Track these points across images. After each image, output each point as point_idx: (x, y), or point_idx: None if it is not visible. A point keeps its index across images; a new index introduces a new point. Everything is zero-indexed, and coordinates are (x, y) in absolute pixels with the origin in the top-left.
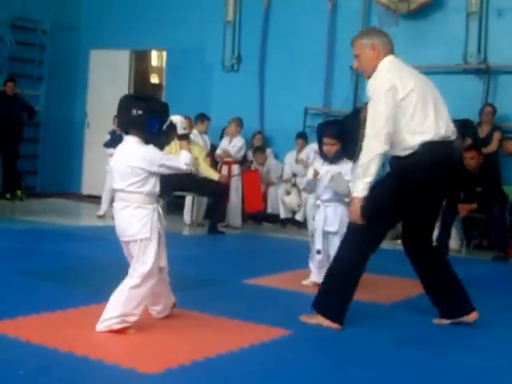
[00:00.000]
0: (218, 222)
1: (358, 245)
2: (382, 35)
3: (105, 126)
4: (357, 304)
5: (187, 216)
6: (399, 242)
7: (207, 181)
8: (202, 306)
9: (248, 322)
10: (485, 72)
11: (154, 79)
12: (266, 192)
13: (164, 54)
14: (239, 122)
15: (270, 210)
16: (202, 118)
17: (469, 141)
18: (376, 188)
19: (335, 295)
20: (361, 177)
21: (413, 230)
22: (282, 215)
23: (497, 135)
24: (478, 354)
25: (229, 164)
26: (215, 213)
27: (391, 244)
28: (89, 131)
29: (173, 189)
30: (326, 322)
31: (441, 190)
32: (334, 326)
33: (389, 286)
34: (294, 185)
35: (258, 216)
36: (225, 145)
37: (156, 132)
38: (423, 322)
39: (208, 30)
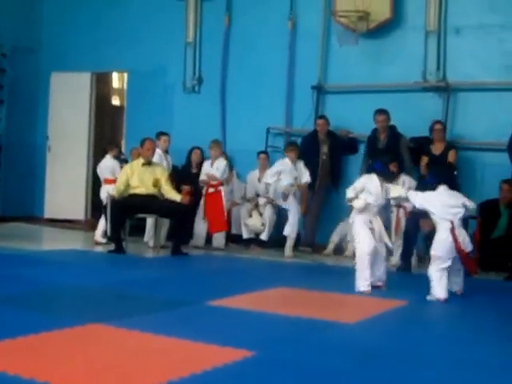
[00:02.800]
0: (182, 243)
1: None
2: None
3: (66, 149)
4: (320, 323)
5: (150, 238)
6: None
7: (170, 202)
8: (165, 328)
9: (212, 344)
10: (444, 89)
11: (116, 101)
12: (230, 212)
13: (125, 75)
14: (221, 144)
15: (234, 231)
16: (160, 135)
17: (425, 159)
18: None
19: None
20: None
21: None
22: (245, 236)
23: (452, 154)
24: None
25: (215, 186)
26: (179, 234)
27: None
28: (50, 155)
29: (136, 211)
30: None
31: None
32: None
33: (353, 304)
34: (256, 205)
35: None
36: (208, 169)
37: None
38: (387, 339)
39: (169, 51)
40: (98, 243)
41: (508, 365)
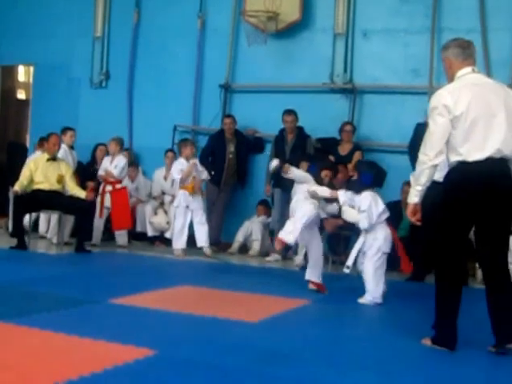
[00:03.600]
0: (86, 240)
1: None
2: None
3: None
4: (224, 322)
5: (53, 235)
6: (267, 259)
7: (74, 199)
8: (67, 327)
9: (113, 342)
10: (350, 91)
11: (21, 95)
12: (135, 210)
13: (31, 69)
14: (119, 141)
15: (138, 229)
16: (65, 130)
17: (332, 159)
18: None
19: None
20: (412, 185)
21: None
22: (150, 233)
23: (357, 155)
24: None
25: (112, 184)
26: (82, 231)
27: (260, 261)
28: None
29: (39, 207)
30: None
31: (466, 212)
32: None
33: (256, 303)
34: (162, 203)
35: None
36: (106, 166)
37: None
38: (288, 338)
39: (76, 45)
40: None
41: (393, 361)
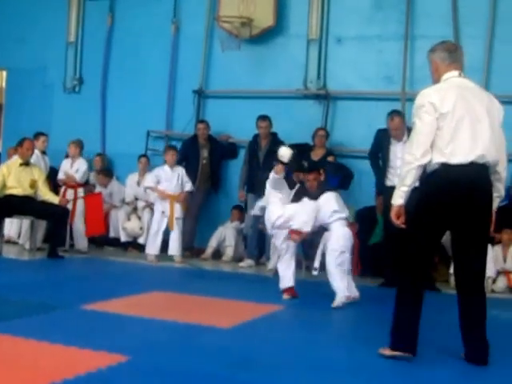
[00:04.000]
0: (58, 245)
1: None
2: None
3: None
4: (196, 328)
5: (25, 240)
6: (241, 264)
7: (47, 204)
8: (38, 333)
9: (85, 348)
10: (324, 97)
11: None
12: (108, 215)
13: (4, 73)
14: (79, 144)
15: (112, 234)
16: (37, 135)
17: (305, 164)
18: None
19: None
20: (397, 186)
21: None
22: (123, 239)
23: (331, 159)
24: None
25: (74, 188)
26: (55, 237)
27: (233, 267)
28: None
29: (12, 212)
30: None
31: (445, 216)
32: None
33: (229, 309)
34: (135, 208)
35: (99, 240)
36: (67, 168)
37: None
38: (260, 344)
39: (49, 50)
40: None
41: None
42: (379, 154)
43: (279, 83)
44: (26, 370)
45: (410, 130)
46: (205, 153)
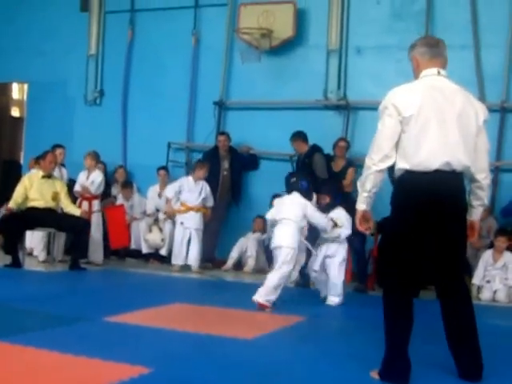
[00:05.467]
0: (80, 258)
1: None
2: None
3: None
4: (219, 340)
5: (40, 252)
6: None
7: (69, 216)
8: (61, 345)
9: (108, 360)
10: (344, 108)
11: (15, 112)
12: (130, 227)
13: (25, 86)
14: (95, 156)
15: (133, 246)
16: (55, 147)
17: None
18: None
19: None
20: (359, 192)
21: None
22: (144, 250)
23: (351, 171)
24: None
25: (89, 200)
26: (77, 249)
27: (255, 277)
28: None
29: (34, 224)
30: None
31: (416, 221)
32: None
33: (251, 320)
34: (156, 220)
35: (121, 251)
36: (83, 181)
37: None
38: (283, 356)
39: (71, 63)
40: None
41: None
42: None
43: (299, 94)
44: (50, 382)
45: None
46: (226, 164)
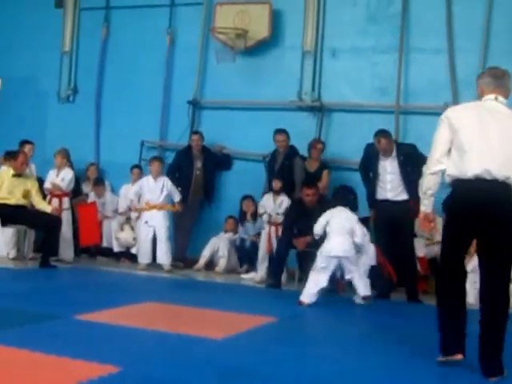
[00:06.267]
0: (51, 255)
1: None
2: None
3: None
4: (188, 339)
5: (10, 250)
6: (243, 276)
7: (40, 213)
8: (31, 343)
9: (77, 359)
10: (318, 109)
11: None
12: (101, 225)
13: None
14: (65, 153)
15: (104, 244)
16: (23, 143)
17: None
18: None
19: None
20: (420, 195)
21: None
22: (116, 249)
23: (325, 173)
24: None
25: (59, 197)
26: (48, 246)
27: (226, 278)
28: None
29: (5, 221)
30: None
31: (461, 225)
32: None
33: (222, 320)
34: (128, 219)
35: (92, 249)
36: (53, 178)
37: None
38: (252, 356)
39: (44, 59)
40: None
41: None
42: (370, 168)
43: (274, 95)
44: (18, 380)
45: (401, 144)
46: (198, 164)
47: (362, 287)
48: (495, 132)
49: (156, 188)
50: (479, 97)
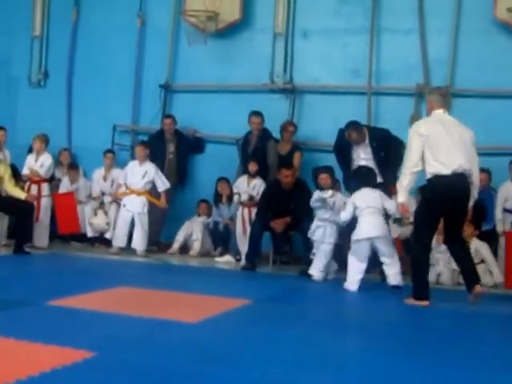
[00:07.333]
0: (25, 242)
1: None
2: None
3: None
4: (163, 323)
5: None
6: (217, 259)
7: (13, 199)
8: (3, 329)
9: (51, 345)
10: (290, 91)
11: None
12: None
13: None
14: (44, 139)
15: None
16: None
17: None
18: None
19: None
20: (398, 189)
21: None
22: (90, 234)
23: (297, 155)
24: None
25: (38, 183)
26: (21, 233)
27: (200, 261)
28: None
29: None
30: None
31: (441, 208)
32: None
33: (196, 304)
34: (101, 204)
35: (66, 235)
36: (31, 164)
37: None
38: (227, 339)
39: (14, 43)
40: None
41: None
42: (345, 153)
43: (246, 77)
44: None
45: (373, 129)
46: (171, 147)
47: (392, 275)
48: (456, 136)
49: (138, 173)
50: (429, 110)
